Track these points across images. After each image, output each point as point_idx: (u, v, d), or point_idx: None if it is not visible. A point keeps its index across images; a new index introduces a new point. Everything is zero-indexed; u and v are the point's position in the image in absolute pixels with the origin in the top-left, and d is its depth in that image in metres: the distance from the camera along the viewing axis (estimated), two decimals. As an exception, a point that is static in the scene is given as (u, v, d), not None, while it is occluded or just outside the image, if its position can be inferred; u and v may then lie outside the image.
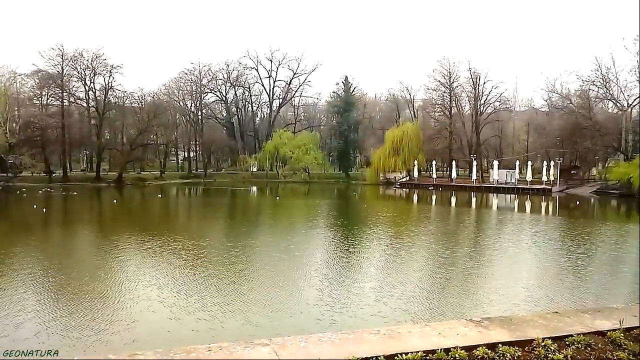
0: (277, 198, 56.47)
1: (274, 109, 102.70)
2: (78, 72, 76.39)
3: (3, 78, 71.09)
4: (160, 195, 56.22)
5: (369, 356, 4.99)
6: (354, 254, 20.39)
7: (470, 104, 76.74)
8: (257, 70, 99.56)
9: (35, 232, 26.49)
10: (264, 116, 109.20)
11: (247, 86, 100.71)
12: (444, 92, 76.50)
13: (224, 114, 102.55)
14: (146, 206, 48.44)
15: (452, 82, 75.22)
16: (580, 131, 63.21)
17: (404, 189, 68.85)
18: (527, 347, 5.50)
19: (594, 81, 63.27)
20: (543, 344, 5.45)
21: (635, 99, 63.33)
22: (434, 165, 72.38)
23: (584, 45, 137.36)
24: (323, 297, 13.09)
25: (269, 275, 15.81)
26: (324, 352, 5.14)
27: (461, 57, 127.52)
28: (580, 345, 5.53)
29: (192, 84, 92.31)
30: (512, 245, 22.93)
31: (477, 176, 67.77)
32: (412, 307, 12.37)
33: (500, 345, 5.41)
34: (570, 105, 67.93)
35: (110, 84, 77.03)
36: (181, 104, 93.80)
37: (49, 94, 78.63)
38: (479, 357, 5.17)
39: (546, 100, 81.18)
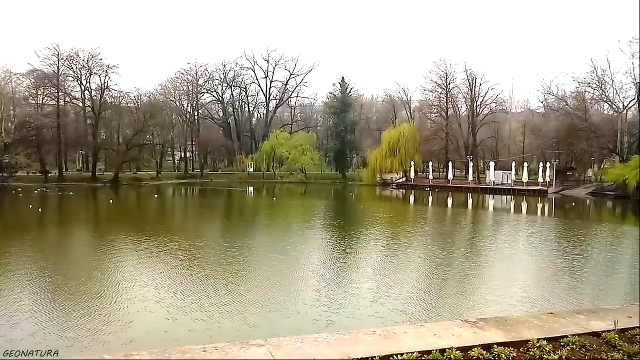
0: (274, 198, 56.45)
1: (270, 109, 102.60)
2: (74, 72, 76.06)
3: (-1, 77, 70.83)
4: (156, 196, 56.10)
5: (364, 357, 5.00)
6: (350, 255, 20.42)
7: (466, 105, 76.88)
8: (253, 70, 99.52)
9: (31, 232, 26.41)
10: (260, 116, 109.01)
11: (244, 86, 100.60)
12: (441, 93, 76.62)
13: (221, 114, 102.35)
14: (142, 206, 48.33)
15: (449, 84, 75.36)
16: (576, 133, 63.43)
17: (401, 190, 68.90)
18: (522, 348, 5.52)
19: (589, 83, 63.56)
20: (538, 344, 5.48)
21: (630, 101, 63.66)
22: (430, 166, 72.41)
23: (580, 47, 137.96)
24: (320, 298, 13.11)
25: (266, 276, 15.82)
26: (319, 353, 5.15)
27: (457, 58, 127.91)
28: (575, 346, 5.57)
29: (189, 84, 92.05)
30: (508, 246, 23.00)
31: (473, 177, 67.90)
32: (409, 308, 12.40)
33: (495, 345, 5.43)
34: (566, 106, 68.15)
35: (106, 84, 76.77)
36: (177, 104, 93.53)
37: (45, 93, 78.33)
38: (474, 357, 5.19)
39: (542, 102, 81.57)
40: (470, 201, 52.71)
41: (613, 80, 62.62)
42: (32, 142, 72.04)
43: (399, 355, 5.02)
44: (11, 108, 72.54)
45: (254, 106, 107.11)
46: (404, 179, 75.32)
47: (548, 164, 61.41)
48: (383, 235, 26.51)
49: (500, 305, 12.61)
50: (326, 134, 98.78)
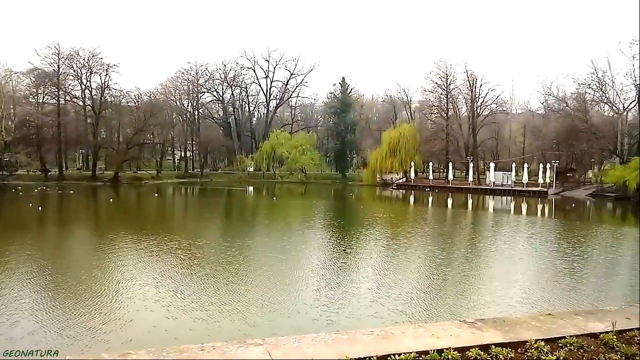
0: (274, 198, 56.45)
1: (270, 109, 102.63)
2: (74, 71, 76.18)
3: (-1, 76, 70.89)
4: (156, 195, 56.09)
5: (361, 357, 5.01)
6: (350, 255, 20.43)
7: (467, 106, 76.86)
8: (254, 70, 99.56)
9: (31, 231, 26.42)
10: (260, 116, 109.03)
11: (244, 86, 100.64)
12: (441, 94, 76.59)
13: (221, 114, 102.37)
14: (142, 205, 48.36)
15: (449, 84, 75.32)
16: (576, 134, 63.43)
17: (401, 190, 68.89)
18: (519, 349, 5.53)
19: (590, 84, 63.63)
20: (536, 345, 5.49)
21: (631, 102, 63.75)
22: (430, 167, 72.40)
23: (580, 49, 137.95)
24: (320, 298, 13.12)
25: (266, 276, 15.83)
26: (317, 353, 5.16)
27: (458, 59, 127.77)
28: (573, 347, 5.57)
29: (189, 84, 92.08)
30: (508, 247, 23.00)
31: (473, 178, 67.87)
32: (409, 308, 12.41)
33: (493, 346, 5.44)
34: (567, 108, 68.17)
35: (106, 83, 76.86)
36: (178, 103, 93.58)
37: (45, 92, 78.45)
38: (472, 358, 5.20)
39: (542, 103, 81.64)
40: (470, 202, 52.71)
41: (613, 82, 62.75)
42: (33, 141, 72.11)
43: (396, 356, 5.02)
44: (11, 107, 72.61)
45: (254, 106, 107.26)
46: (404, 179, 75.32)
47: (548, 165, 61.41)
48: (383, 236, 26.51)
49: (500, 306, 12.62)
50: (326, 134, 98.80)
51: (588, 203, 51.37)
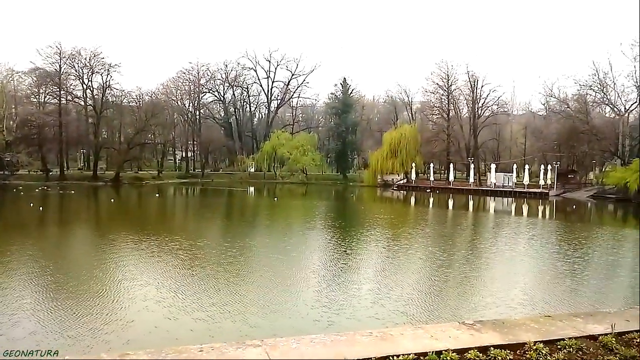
0: (275, 199, 56.46)
1: (272, 109, 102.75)
2: (76, 71, 76.44)
3: (0, 75, 70.96)
4: (157, 195, 56.13)
5: (360, 358, 5.01)
6: (351, 256, 20.41)
7: (468, 107, 76.88)
8: (255, 70, 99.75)
9: (32, 231, 26.43)
10: (262, 117, 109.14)
11: (245, 86, 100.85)
12: (442, 95, 76.63)
13: (222, 114, 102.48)
14: (143, 206, 48.39)
15: (450, 85, 75.37)
16: (577, 135, 63.37)
17: (402, 191, 68.90)
18: (518, 351, 5.53)
19: (591, 86, 63.58)
20: (535, 347, 5.49)
21: (632, 104, 63.73)
22: (431, 168, 72.41)
23: (582, 50, 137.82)
24: (321, 299, 13.12)
25: (267, 276, 15.83)
26: (315, 354, 5.17)
27: (459, 60, 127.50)
28: (572, 349, 5.57)
29: (190, 84, 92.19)
30: (509, 248, 22.98)
31: (474, 179, 67.85)
32: (410, 310, 12.40)
33: (492, 348, 5.44)
34: (568, 109, 68.10)
35: (108, 83, 77.07)
36: (179, 103, 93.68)
37: (47, 92, 78.63)
38: (471, 360, 5.19)
39: (544, 104, 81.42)
40: (471, 203, 52.69)
41: (615, 83, 62.70)
42: (34, 141, 72.22)
43: (395, 357, 5.03)
44: (13, 106, 72.71)
45: (255, 106, 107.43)
46: (405, 180, 75.35)
47: (549, 167, 61.35)
48: (384, 237, 26.50)
49: (501, 308, 12.62)
50: (327, 134, 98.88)
51: (589, 205, 51.32)
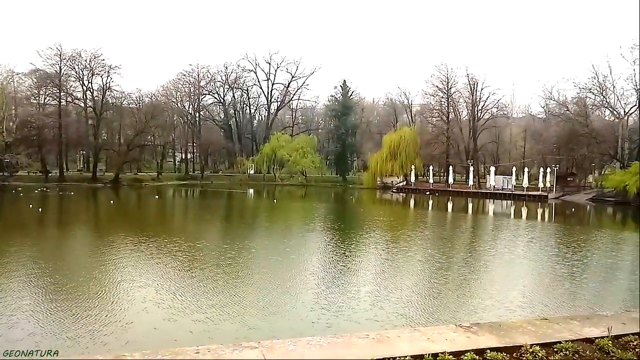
0: (274, 201, 56.44)
1: (271, 111, 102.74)
2: (76, 72, 76.36)
3: (0, 77, 70.93)
4: (157, 197, 56.11)
5: (355, 360, 5.02)
6: (350, 258, 20.43)
7: (467, 110, 76.83)
8: (255, 72, 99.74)
9: (31, 232, 26.43)
10: (261, 119, 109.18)
11: (245, 89, 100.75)
12: (442, 97, 76.60)
13: (222, 116, 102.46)
14: (143, 207, 48.38)
15: (450, 88, 75.33)
16: (576, 138, 63.39)
17: (401, 194, 68.93)
18: (515, 353, 5.54)
19: (590, 89, 63.62)
20: (531, 350, 5.50)
21: (631, 107, 63.73)
22: (431, 170, 72.39)
23: (581, 53, 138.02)
24: (319, 301, 13.13)
25: (266, 278, 15.86)
26: (311, 356, 5.18)
27: (459, 62, 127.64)
28: (568, 352, 5.58)
29: (190, 86, 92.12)
30: (508, 251, 23.01)
31: (473, 182, 67.84)
32: (408, 312, 12.42)
33: (488, 351, 5.45)
34: (567, 112, 68.14)
35: (108, 85, 76.96)
36: (179, 105, 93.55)
37: (47, 93, 78.54)
38: (467, 362, 5.20)
39: (543, 107, 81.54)
40: (470, 206, 52.69)
41: (614, 87, 62.69)
42: (34, 142, 72.15)
43: (391, 359, 5.03)
44: (13, 107, 72.58)
45: (255, 108, 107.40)
46: (405, 182, 75.35)
47: (549, 170, 61.37)
48: (383, 239, 26.52)
49: (500, 310, 12.65)
50: (327, 136, 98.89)
51: (588, 208, 51.36)
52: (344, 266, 18.73)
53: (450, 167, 71.58)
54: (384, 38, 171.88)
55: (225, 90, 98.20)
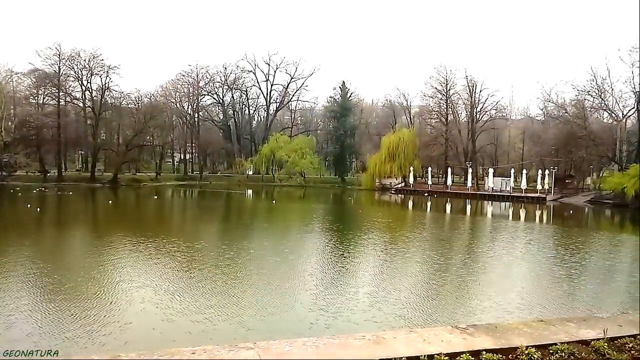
0: (273, 202, 56.42)
1: (270, 112, 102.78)
2: (75, 72, 76.29)
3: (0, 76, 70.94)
4: (155, 197, 56.09)
5: (351, 361, 5.03)
6: (348, 259, 20.45)
7: (466, 112, 76.91)
8: (254, 73, 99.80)
9: (29, 232, 26.41)
10: (260, 119, 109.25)
11: (245, 89, 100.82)
12: (441, 99, 76.66)
13: (221, 117, 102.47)
14: (141, 207, 48.34)
15: (449, 90, 75.41)
16: (575, 140, 63.45)
17: (399, 195, 68.94)
18: (510, 355, 5.55)
19: (589, 91, 63.68)
20: (527, 352, 5.52)
21: (629, 110, 63.81)
22: (429, 172, 72.42)
23: (580, 56, 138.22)
24: (317, 302, 13.14)
25: (264, 279, 15.86)
26: (306, 357, 5.18)
27: (458, 64, 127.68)
28: (563, 354, 5.60)
29: (189, 86, 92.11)
30: (506, 253, 23.05)
31: (472, 183, 67.86)
32: (406, 313, 12.43)
33: (484, 352, 5.46)
34: (566, 114, 68.22)
35: (107, 85, 76.96)
36: (178, 105, 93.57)
37: (46, 93, 78.55)
38: (462, 364, 5.21)
39: (542, 109, 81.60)
40: (468, 207, 52.69)
41: (613, 89, 62.82)
42: (32, 142, 72.13)
43: (386, 360, 5.05)
44: (12, 107, 72.57)
45: (254, 109, 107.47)
46: (403, 184, 75.38)
47: (547, 172, 61.42)
48: (381, 240, 26.52)
49: (498, 312, 12.67)
50: (326, 138, 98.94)
51: (586, 210, 51.43)
52: (342, 267, 18.74)
53: (449, 169, 71.58)
54: (384, 39, 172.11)
55: (225, 90, 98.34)
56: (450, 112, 76.24)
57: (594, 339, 6.04)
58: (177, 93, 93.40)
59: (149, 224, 33.36)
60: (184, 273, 16.43)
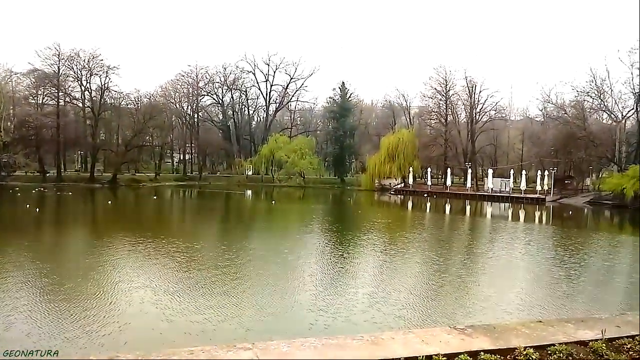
0: (273, 202, 56.43)
1: (270, 113, 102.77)
2: (74, 72, 76.32)
3: (-1, 76, 70.93)
4: (154, 197, 56.10)
5: (348, 362, 5.03)
6: (348, 260, 20.45)
7: (466, 112, 76.98)
8: (254, 74, 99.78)
9: (28, 232, 26.39)
10: (260, 120, 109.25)
11: (244, 90, 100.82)
12: (440, 99, 76.75)
13: (220, 117, 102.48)
14: (140, 208, 48.35)
15: (448, 90, 75.50)
16: (574, 141, 63.46)
17: (399, 196, 68.98)
18: (508, 356, 5.55)
19: (588, 92, 63.72)
20: (525, 352, 5.51)
21: (629, 111, 63.88)
22: (429, 173, 72.45)
23: (579, 56, 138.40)
24: (317, 302, 13.15)
25: (263, 280, 15.86)
26: (305, 357, 5.18)
27: (457, 65, 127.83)
28: (562, 354, 5.59)
29: (189, 87, 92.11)
30: (505, 253, 23.07)
31: (471, 184, 67.92)
32: (406, 314, 12.44)
33: (482, 353, 5.46)
34: (565, 115, 68.24)
35: (106, 85, 77.01)
36: (177, 106, 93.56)
37: (45, 93, 78.51)
38: (460, 364, 5.21)
39: (541, 110, 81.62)
40: (468, 208, 52.73)
41: (612, 90, 62.85)
42: (31, 142, 72.18)
43: (384, 361, 5.05)
44: (11, 107, 72.57)
45: (253, 109, 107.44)
46: (403, 184, 75.42)
47: (546, 172, 61.47)
48: (381, 241, 26.53)
49: (497, 313, 12.69)
50: (325, 138, 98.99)
51: (585, 210, 51.47)
52: (341, 268, 18.75)
53: (448, 170, 71.63)
54: (383, 40, 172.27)
55: (224, 91, 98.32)
56: (450, 112, 76.30)
57: (592, 340, 6.04)
58: (177, 93, 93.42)
59: (148, 224, 33.36)
60: (183, 273, 16.43)
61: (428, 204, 56.09)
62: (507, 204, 56.91)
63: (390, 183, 76.34)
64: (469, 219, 44.15)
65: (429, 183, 71.99)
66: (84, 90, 79.28)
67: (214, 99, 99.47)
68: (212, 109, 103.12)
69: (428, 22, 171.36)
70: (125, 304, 12.59)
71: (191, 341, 9.72)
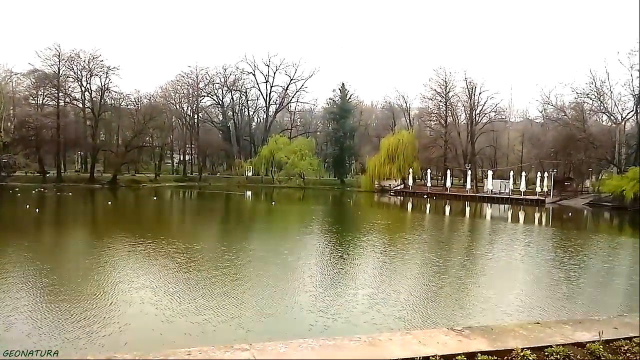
0: (273, 203, 56.42)
1: (270, 114, 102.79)
2: (74, 73, 76.25)
3: (-1, 77, 70.94)
4: (154, 198, 56.09)
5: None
6: (347, 261, 20.47)
7: (465, 114, 77.10)
8: (254, 75, 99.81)
9: (28, 233, 26.38)
10: (260, 121, 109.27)
11: (244, 91, 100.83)
12: (440, 101, 76.83)
13: (220, 118, 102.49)
14: (140, 208, 48.34)
15: (448, 92, 75.59)
16: (574, 143, 63.52)
17: (399, 197, 68.99)
18: (506, 357, 5.57)
19: (588, 94, 63.85)
20: (522, 354, 5.53)
21: (628, 113, 63.96)
22: (428, 174, 72.47)
23: (579, 58, 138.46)
24: (316, 303, 13.17)
25: (263, 281, 15.87)
26: (303, 358, 5.20)
27: (457, 67, 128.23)
28: (559, 356, 5.62)
29: (189, 87, 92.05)
30: (505, 255, 23.09)
31: (471, 186, 67.97)
32: (405, 315, 12.46)
33: (479, 354, 5.48)
34: (565, 117, 68.32)
35: (106, 85, 76.94)
36: (177, 106, 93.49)
37: (45, 93, 78.47)
38: (457, 366, 5.24)
39: (541, 112, 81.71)
40: (468, 210, 52.76)
41: (612, 92, 63.02)
42: (32, 142, 72.15)
43: (382, 363, 5.07)
44: (11, 108, 72.52)
45: (253, 110, 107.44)
46: (402, 186, 75.41)
47: (546, 174, 61.52)
48: (380, 242, 26.55)
49: (496, 314, 12.70)
50: (325, 139, 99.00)
51: (585, 212, 51.48)
52: (341, 269, 18.77)
53: (448, 171, 71.63)
54: (383, 41, 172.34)
55: (224, 92, 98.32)
56: (450, 114, 76.39)
57: (589, 342, 6.06)
58: (177, 94, 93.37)
59: (148, 225, 33.35)
60: (183, 274, 16.45)
61: (428, 206, 56.09)
62: (506, 206, 56.95)
63: (390, 184, 76.33)
64: (468, 220, 44.18)
65: (429, 184, 72.01)
66: (84, 91, 79.35)
67: (214, 99, 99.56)
68: (212, 109, 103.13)
69: (428, 23, 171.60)
70: (126, 305, 12.61)
71: (191, 342, 9.73)
